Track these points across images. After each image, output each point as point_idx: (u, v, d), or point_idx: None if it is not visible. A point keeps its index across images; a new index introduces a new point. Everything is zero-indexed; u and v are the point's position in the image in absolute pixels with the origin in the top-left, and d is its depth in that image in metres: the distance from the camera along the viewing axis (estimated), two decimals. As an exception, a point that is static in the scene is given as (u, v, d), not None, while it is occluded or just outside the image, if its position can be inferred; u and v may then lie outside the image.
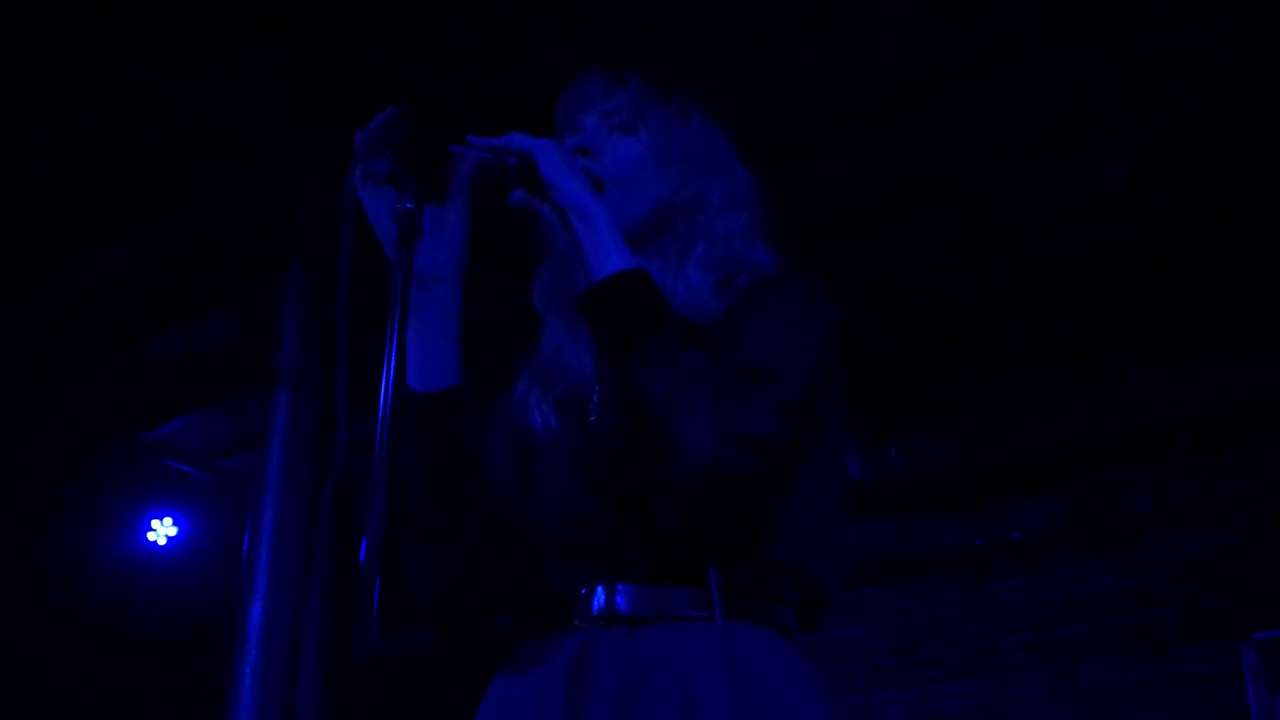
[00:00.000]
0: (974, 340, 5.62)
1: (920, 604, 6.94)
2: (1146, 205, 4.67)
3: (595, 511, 1.38)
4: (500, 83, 3.64)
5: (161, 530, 6.46)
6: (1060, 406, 5.57)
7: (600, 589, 1.32)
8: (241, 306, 5.10)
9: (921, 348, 5.66)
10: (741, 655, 1.27)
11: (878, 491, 5.86)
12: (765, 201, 1.59)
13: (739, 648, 1.27)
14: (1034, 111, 4.24)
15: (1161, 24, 3.84)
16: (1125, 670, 6.09)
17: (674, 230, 1.51)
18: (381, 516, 1.15)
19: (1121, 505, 5.94)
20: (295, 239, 3.24)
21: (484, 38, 3.70)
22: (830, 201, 4.63)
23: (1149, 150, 4.38)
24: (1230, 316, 5.30)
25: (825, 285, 1.47)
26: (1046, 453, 5.72)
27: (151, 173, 4.42)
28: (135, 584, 6.60)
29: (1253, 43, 3.92)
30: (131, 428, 6.22)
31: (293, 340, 3.25)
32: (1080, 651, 6.24)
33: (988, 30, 3.89)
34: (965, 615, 6.74)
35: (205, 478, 6.50)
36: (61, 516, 6.44)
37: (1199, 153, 4.44)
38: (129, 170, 4.40)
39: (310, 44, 3.59)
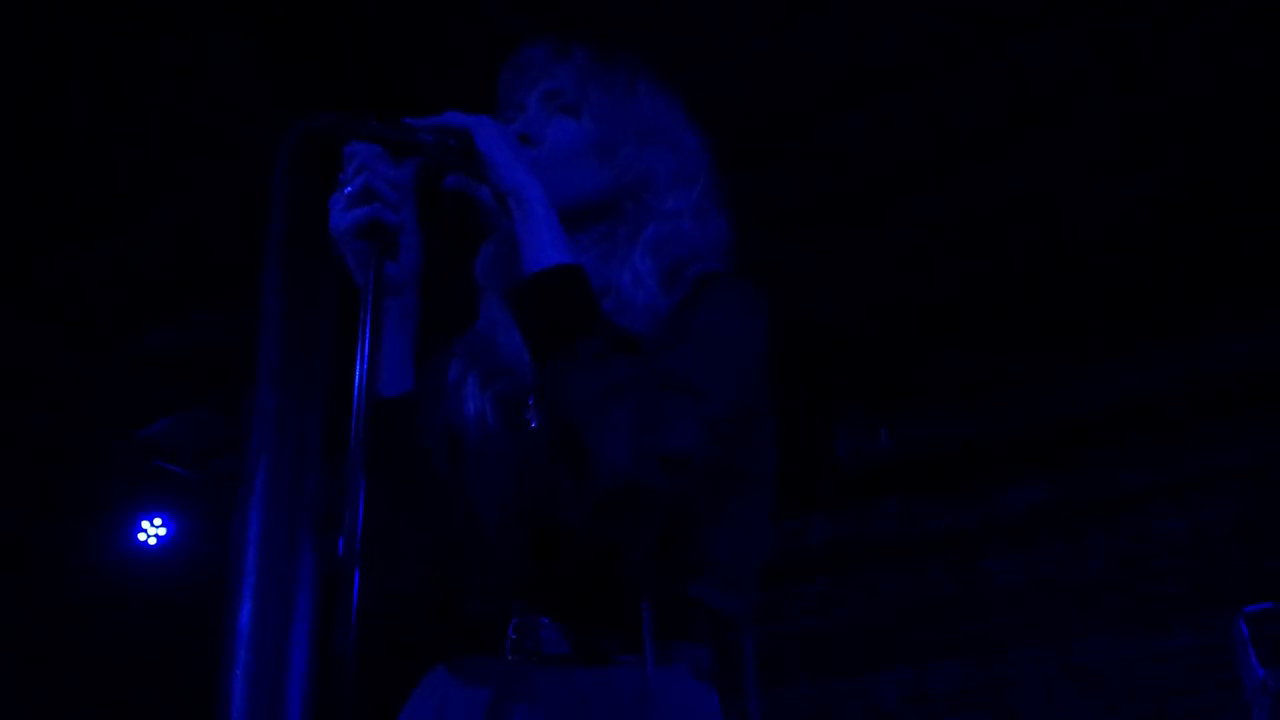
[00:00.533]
0: (962, 320, 5.63)
1: (913, 585, 6.95)
2: (1134, 182, 4.69)
3: (525, 530, 1.32)
4: (479, 71, 3.62)
5: (152, 531, 6.45)
6: (1049, 384, 5.56)
7: (528, 620, 1.27)
8: (228, 304, 5.08)
9: (910, 328, 5.67)
10: (673, 708, 1.22)
11: (869, 473, 5.86)
12: (715, 170, 1.52)
13: (671, 700, 1.22)
14: (1019, 92, 4.23)
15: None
16: (1119, 647, 6.12)
17: (621, 212, 1.45)
18: (358, 515, 1.13)
19: (1111, 482, 5.95)
20: (271, 234, 3.22)
21: (465, 28, 3.69)
22: (822, 185, 4.63)
23: (1137, 128, 4.39)
24: (1218, 291, 5.31)
25: (776, 274, 1.43)
26: (1036, 432, 5.73)
27: (136, 169, 4.39)
28: (126, 584, 6.59)
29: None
30: (121, 427, 6.20)
31: (272, 337, 3.23)
32: (1074, 629, 6.27)
33: (975, 12, 3.88)
34: (958, 596, 6.75)
35: (195, 477, 6.48)
36: (52, 517, 6.42)
37: (1188, 132, 4.45)
38: (113, 167, 4.38)
39: (290, 36, 3.57)
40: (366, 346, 1.19)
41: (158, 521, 6.46)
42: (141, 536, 6.46)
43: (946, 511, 6.20)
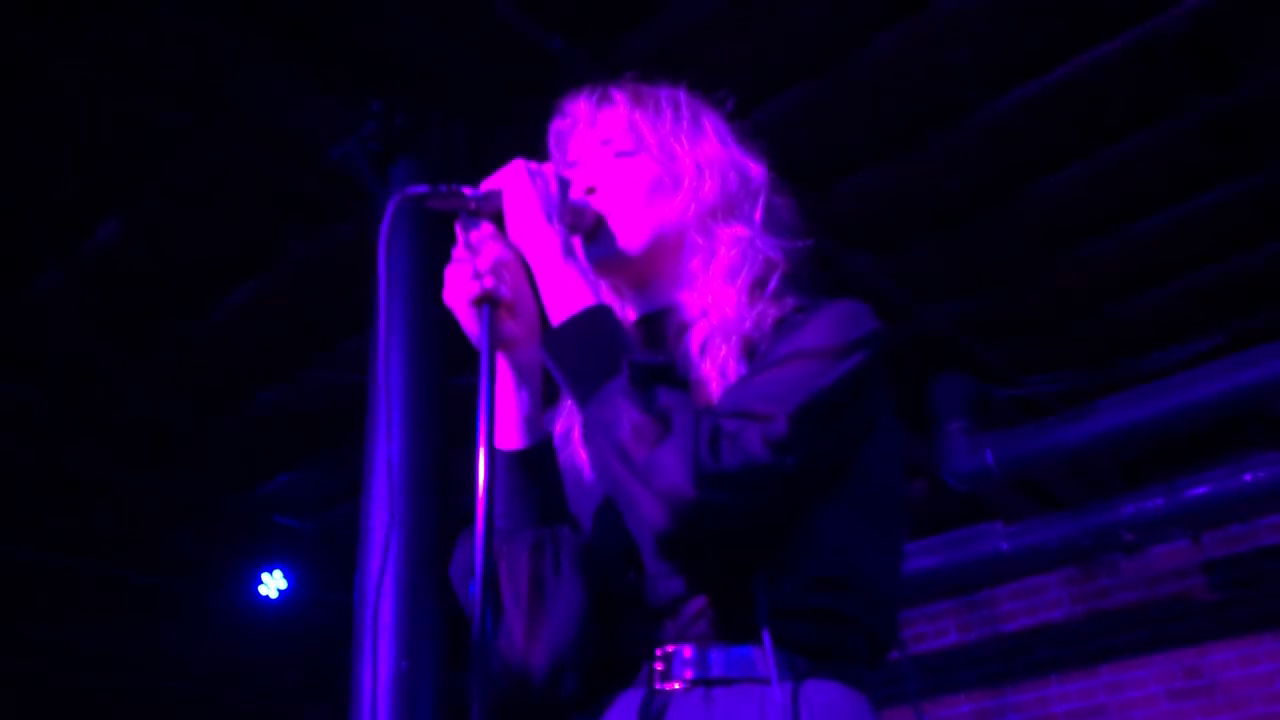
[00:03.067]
0: (1059, 333, 5.55)
1: (1028, 605, 6.84)
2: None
3: (648, 566, 1.32)
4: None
5: (272, 584, 6.59)
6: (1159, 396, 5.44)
7: (668, 649, 1.28)
8: (338, 358, 5.22)
9: (1007, 345, 5.61)
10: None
11: (977, 496, 5.79)
12: (779, 187, 1.52)
13: (815, 711, 1.22)
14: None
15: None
16: (1249, 662, 5.95)
17: (692, 245, 1.45)
18: (487, 577, 1.16)
19: (1229, 492, 5.79)
20: (381, 291, 3.32)
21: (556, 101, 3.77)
22: (910, 200, 4.63)
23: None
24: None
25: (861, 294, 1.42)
26: (1148, 445, 5.61)
27: (248, 234, 4.57)
28: (248, 638, 6.73)
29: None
30: (240, 484, 6.38)
31: (381, 390, 3.32)
32: (1197, 642, 6.11)
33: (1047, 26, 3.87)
34: (1075, 615, 6.63)
35: (313, 530, 6.61)
36: (174, 573, 6.59)
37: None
38: (227, 233, 4.55)
39: (389, 104, 3.68)
40: (487, 402, 1.25)
41: (278, 574, 6.61)
42: (262, 590, 6.60)
43: (1061, 531, 6.06)
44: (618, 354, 1.26)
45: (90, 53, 3.65)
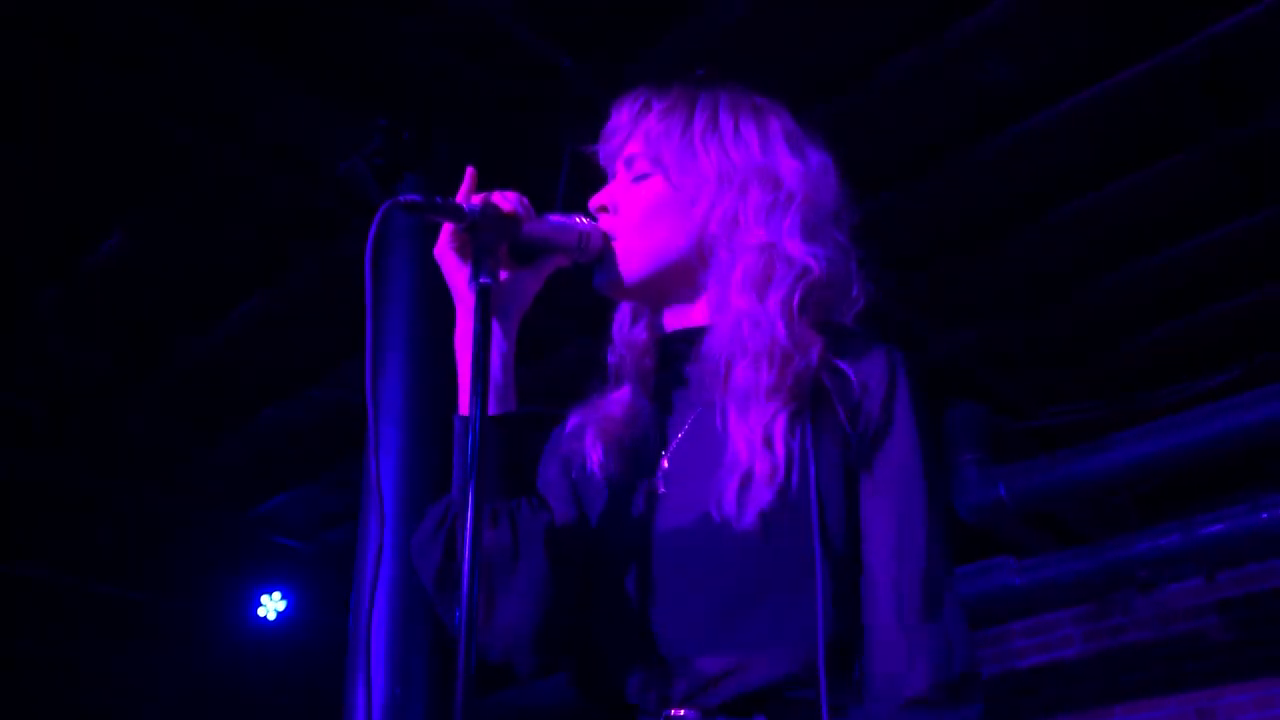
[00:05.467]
0: (1075, 365, 5.48)
1: (1041, 642, 6.73)
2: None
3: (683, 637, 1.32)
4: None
5: (270, 605, 6.53)
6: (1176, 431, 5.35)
7: (675, 714, 1.27)
8: (337, 379, 5.17)
9: (1022, 376, 5.53)
10: None
11: (989, 529, 5.70)
12: (823, 185, 1.48)
13: None
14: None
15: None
16: (1264, 705, 5.83)
17: (716, 259, 1.42)
18: (473, 572, 1.14)
19: (1246, 529, 5.69)
20: (382, 310, 3.26)
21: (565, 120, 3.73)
22: (925, 228, 4.57)
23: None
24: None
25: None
26: (1164, 480, 5.52)
27: (251, 250, 4.52)
28: (247, 660, 6.67)
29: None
30: (239, 503, 6.32)
31: (378, 410, 3.26)
32: (1211, 684, 6.00)
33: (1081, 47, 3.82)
34: (1088, 653, 6.52)
35: (311, 551, 6.56)
36: (172, 593, 6.55)
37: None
38: (231, 249, 4.51)
39: (396, 121, 3.64)
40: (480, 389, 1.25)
41: (276, 595, 6.55)
42: (261, 611, 6.54)
43: (1074, 567, 5.96)
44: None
45: (95, 67, 3.62)
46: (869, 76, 3.86)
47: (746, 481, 1.27)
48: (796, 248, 1.39)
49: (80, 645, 6.51)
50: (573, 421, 1.49)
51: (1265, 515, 5.26)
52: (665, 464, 1.38)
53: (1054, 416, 5.62)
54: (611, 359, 1.50)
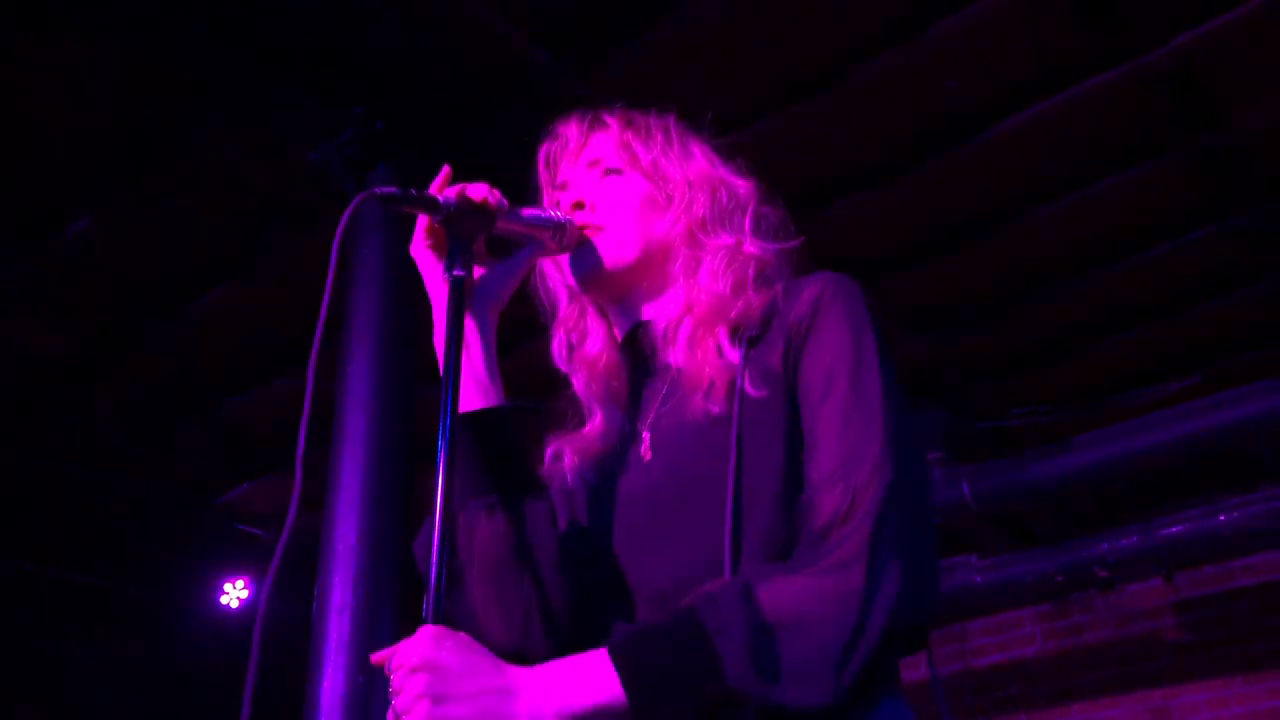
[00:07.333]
0: (1037, 367, 5.54)
1: (1001, 640, 6.79)
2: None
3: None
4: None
5: (234, 593, 6.51)
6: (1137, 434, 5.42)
7: None
8: (303, 367, 5.14)
9: (987, 375, 5.58)
10: None
11: (952, 528, 5.75)
12: (767, 199, 1.57)
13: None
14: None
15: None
16: (1217, 705, 5.91)
17: (678, 256, 1.49)
18: (443, 564, 1.18)
19: (1204, 532, 5.77)
20: (352, 299, 3.25)
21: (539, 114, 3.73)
22: (892, 230, 4.61)
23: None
24: None
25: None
26: (1125, 482, 5.59)
27: (221, 237, 4.50)
28: (210, 647, 6.64)
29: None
30: (201, 493, 6.29)
31: (345, 400, 3.26)
32: (1167, 683, 6.08)
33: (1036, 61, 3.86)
34: (1048, 651, 6.59)
35: (276, 539, 6.53)
36: (136, 582, 6.51)
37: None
38: (200, 235, 4.48)
39: (370, 110, 3.63)
40: (451, 380, 1.29)
41: (240, 584, 6.52)
42: (224, 599, 6.52)
43: (1034, 566, 6.02)
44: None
45: (67, 51, 3.59)
46: (840, 78, 3.89)
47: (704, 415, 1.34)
48: (754, 247, 1.49)
49: (39, 633, 6.46)
50: (550, 450, 1.54)
51: (1223, 518, 5.35)
52: (646, 436, 1.43)
53: (1017, 419, 5.68)
54: (579, 389, 1.54)
